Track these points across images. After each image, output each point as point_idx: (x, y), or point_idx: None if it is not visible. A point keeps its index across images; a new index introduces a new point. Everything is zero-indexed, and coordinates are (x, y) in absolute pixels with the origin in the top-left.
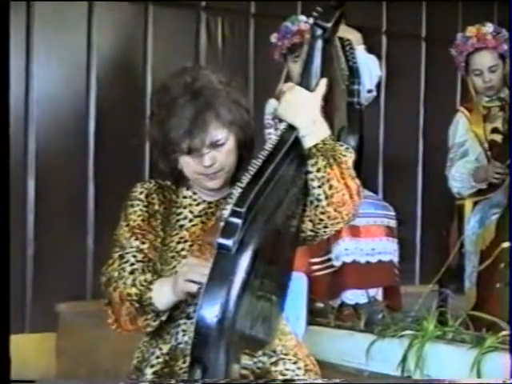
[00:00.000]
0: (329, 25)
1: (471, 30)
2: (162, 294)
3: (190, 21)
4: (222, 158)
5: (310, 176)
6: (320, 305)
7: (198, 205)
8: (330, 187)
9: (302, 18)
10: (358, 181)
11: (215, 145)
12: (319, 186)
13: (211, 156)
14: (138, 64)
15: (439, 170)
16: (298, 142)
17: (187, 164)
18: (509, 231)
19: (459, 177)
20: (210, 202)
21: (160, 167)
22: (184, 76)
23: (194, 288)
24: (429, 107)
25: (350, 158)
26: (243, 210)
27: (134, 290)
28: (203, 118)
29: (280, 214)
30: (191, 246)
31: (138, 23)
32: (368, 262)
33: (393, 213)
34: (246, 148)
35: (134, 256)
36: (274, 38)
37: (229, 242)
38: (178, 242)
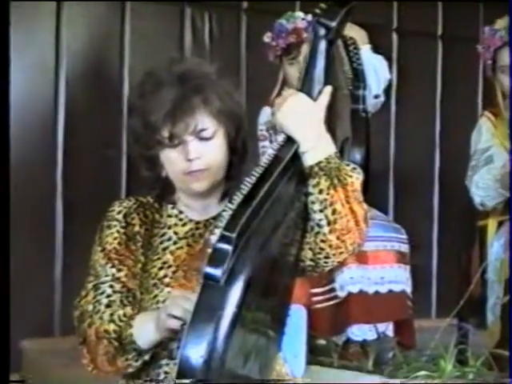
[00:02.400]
0: (333, 24)
1: (500, 23)
2: (145, 331)
3: (173, 16)
4: (209, 153)
5: (311, 198)
6: (322, 342)
7: (184, 225)
8: (333, 212)
9: (299, 14)
10: (365, 205)
11: (202, 136)
12: (321, 210)
13: (196, 147)
14: (113, 66)
15: (458, 186)
16: (297, 157)
17: (170, 161)
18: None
19: (483, 183)
20: (197, 222)
21: (141, 173)
22: (170, 63)
23: (176, 325)
24: (446, 114)
25: (356, 179)
26: (233, 235)
27: (112, 327)
28: (189, 102)
29: (276, 240)
30: (175, 272)
31: (113, 19)
32: (377, 293)
33: (405, 236)
34: (236, 152)
35: (111, 286)
36: (267, 37)
37: (217, 272)
38: (161, 268)
